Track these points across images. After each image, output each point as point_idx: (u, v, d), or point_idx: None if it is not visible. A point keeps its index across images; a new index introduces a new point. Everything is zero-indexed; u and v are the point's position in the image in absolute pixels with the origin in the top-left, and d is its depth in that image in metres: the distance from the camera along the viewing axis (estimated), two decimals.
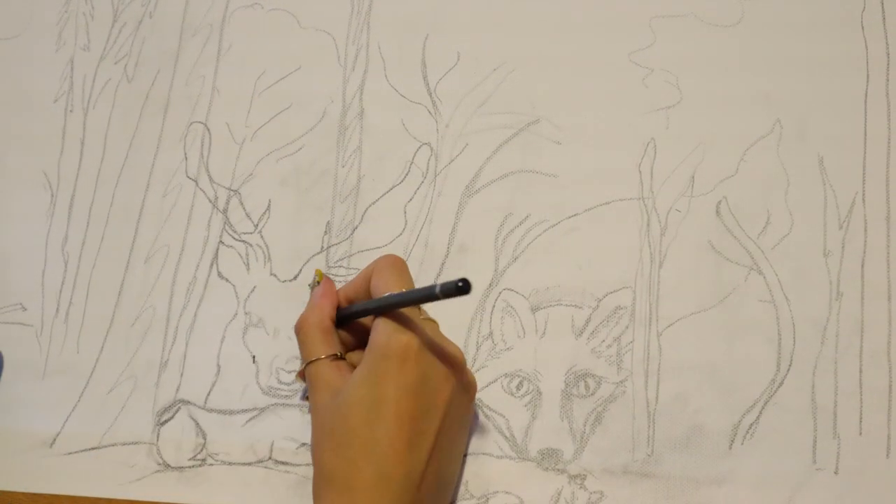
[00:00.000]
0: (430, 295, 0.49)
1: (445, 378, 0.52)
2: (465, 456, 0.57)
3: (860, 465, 0.55)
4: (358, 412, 0.50)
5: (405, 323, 0.51)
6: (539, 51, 0.65)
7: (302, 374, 0.57)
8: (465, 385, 0.54)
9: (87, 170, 0.67)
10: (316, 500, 0.51)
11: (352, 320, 0.56)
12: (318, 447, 0.52)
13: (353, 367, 0.54)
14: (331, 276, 0.62)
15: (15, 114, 0.69)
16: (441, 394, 0.51)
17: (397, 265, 0.55)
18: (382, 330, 0.51)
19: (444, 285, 0.48)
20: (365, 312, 0.55)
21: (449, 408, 0.52)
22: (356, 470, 0.49)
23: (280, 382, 0.61)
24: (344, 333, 0.57)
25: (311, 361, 0.54)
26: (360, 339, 0.57)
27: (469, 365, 0.59)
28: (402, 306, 0.51)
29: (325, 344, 0.55)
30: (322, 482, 0.51)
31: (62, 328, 0.64)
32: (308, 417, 0.59)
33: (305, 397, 0.60)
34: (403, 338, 0.51)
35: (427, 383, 0.51)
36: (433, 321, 0.54)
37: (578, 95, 0.64)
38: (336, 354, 0.54)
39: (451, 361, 0.52)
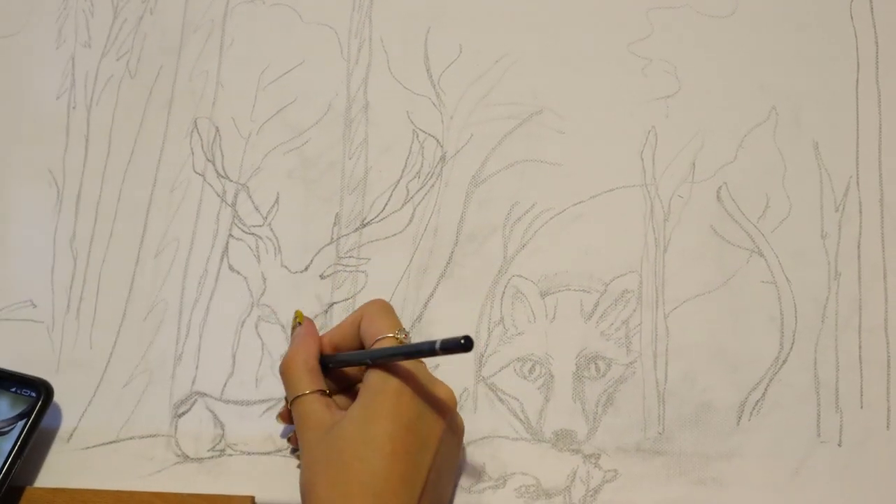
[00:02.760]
0: (430, 350, 0.49)
1: (437, 418, 0.53)
2: (452, 495, 0.58)
3: (862, 436, 0.57)
4: (354, 447, 0.50)
5: (399, 365, 0.52)
6: (540, 42, 0.67)
7: (285, 415, 0.58)
8: (455, 426, 0.55)
9: (92, 166, 0.67)
10: None
11: (342, 367, 0.56)
12: (312, 482, 0.51)
13: (340, 407, 0.54)
14: (342, 267, 0.63)
15: (17, 111, 0.69)
16: (434, 432, 0.52)
17: (386, 309, 0.56)
18: (378, 370, 0.52)
19: (444, 342, 0.48)
20: (361, 361, 0.54)
21: (440, 446, 0.53)
22: None
23: None
24: (328, 379, 0.57)
25: (299, 396, 0.54)
26: (343, 385, 0.57)
27: (481, 350, 0.61)
28: (401, 360, 0.52)
29: (312, 381, 0.55)
30: None
31: (74, 324, 0.64)
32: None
33: (289, 438, 0.60)
34: (399, 377, 0.52)
35: (421, 421, 0.52)
36: (422, 363, 0.55)
37: (580, 86, 0.65)
38: (323, 391, 0.55)
39: (443, 402, 0.53)
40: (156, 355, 0.63)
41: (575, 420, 0.59)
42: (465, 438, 0.59)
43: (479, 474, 0.58)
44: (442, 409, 0.53)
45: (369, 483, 0.50)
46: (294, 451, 0.60)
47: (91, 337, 0.63)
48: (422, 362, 0.54)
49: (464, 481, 0.58)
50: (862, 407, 0.58)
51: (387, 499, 0.50)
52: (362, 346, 0.56)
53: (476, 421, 0.59)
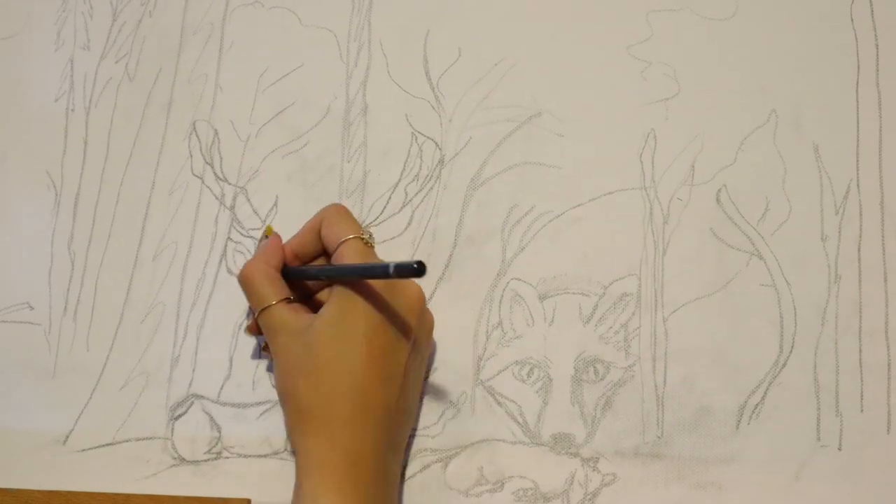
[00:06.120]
0: (384, 273, 0.50)
1: (408, 314, 0.54)
2: (423, 389, 0.59)
3: (862, 440, 0.57)
4: (330, 348, 0.52)
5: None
6: (539, 45, 0.66)
7: (253, 327, 0.58)
8: (425, 322, 0.57)
9: (90, 168, 0.67)
10: (294, 437, 0.52)
11: (301, 280, 0.58)
12: (291, 387, 0.53)
13: (307, 312, 0.55)
14: None
15: (15, 113, 0.69)
16: (407, 328, 0.54)
17: (344, 212, 0.58)
18: None
19: (398, 266, 0.49)
20: (318, 276, 0.57)
21: (414, 342, 0.54)
22: (335, 404, 0.51)
23: None
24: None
25: (266, 308, 0.55)
26: (303, 295, 0.59)
27: (480, 354, 0.60)
28: (357, 278, 0.53)
29: (275, 289, 0.56)
30: (299, 420, 0.52)
31: (71, 326, 0.64)
32: None
33: (264, 347, 0.60)
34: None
35: (394, 318, 0.53)
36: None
37: (579, 88, 0.65)
38: (289, 298, 0.56)
39: (413, 300, 0.55)
40: (153, 358, 0.62)
41: (573, 423, 0.59)
42: (463, 442, 0.59)
43: (476, 478, 0.58)
44: (412, 306, 0.55)
45: (350, 382, 0.51)
46: (266, 354, 0.61)
47: (88, 339, 0.63)
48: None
49: (461, 485, 0.58)
50: (862, 411, 0.57)
51: (370, 398, 0.51)
52: (324, 251, 0.57)
53: (474, 424, 0.59)
